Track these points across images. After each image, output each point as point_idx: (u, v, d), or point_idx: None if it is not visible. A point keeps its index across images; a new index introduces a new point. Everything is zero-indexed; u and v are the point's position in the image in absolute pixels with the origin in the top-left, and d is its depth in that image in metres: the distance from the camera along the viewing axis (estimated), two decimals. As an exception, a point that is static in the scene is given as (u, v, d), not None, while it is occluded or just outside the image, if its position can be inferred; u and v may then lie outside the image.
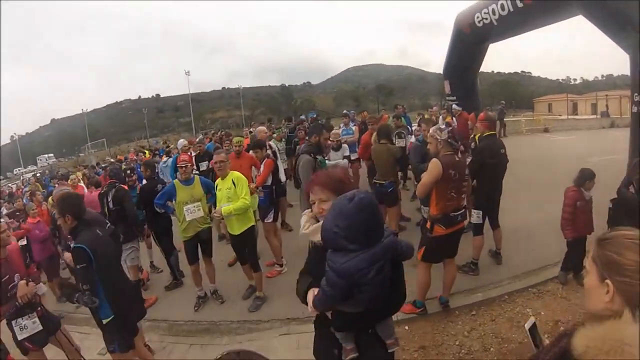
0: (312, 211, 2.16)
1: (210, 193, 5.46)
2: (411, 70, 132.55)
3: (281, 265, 6.16)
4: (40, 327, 3.60)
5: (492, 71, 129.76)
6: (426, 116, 10.90)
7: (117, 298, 3.39)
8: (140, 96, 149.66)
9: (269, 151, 6.71)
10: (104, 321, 3.37)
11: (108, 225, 3.87)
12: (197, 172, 8.45)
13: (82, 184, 9.90)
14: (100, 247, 3.30)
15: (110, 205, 5.84)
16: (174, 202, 5.44)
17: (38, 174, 31.20)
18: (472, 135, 6.61)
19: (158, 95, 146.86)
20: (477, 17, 13.20)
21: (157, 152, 17.98)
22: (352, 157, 8.22)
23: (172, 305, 5.83)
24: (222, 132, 17.11)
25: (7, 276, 3.48)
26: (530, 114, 36.40)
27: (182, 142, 11.33)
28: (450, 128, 4.23)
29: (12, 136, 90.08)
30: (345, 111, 12.61)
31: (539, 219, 6.90)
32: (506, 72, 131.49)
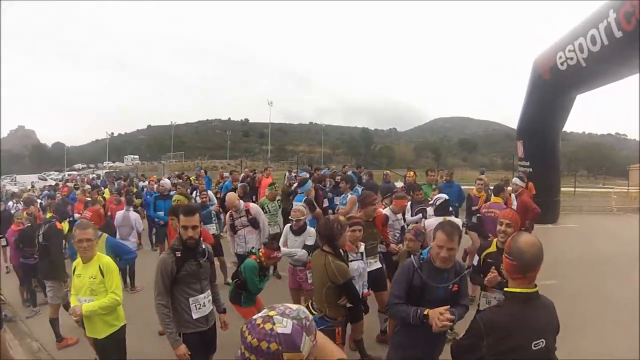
0: None
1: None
2: (498, 126, 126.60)
3: None
4: None
5: (583, 132, 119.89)
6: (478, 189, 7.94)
7: None
8: (230, 118, 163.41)
9: None
10: None
11: None
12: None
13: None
14: None
15: (40, 239, 5.70)
16: None
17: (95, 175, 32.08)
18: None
19: (247, 119, 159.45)
20: (560, 58, 10.07)
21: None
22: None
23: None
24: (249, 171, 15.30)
25: None
26: (624, 184, 30.83)
27: (167, 182, 9.51)
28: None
29: (107, 133, 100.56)
30: (351, 172, 9.81)
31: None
32: (598, 134, 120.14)
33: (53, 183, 24.95)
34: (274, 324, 1.25)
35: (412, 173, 9.50)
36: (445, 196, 5.62)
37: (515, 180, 7.56)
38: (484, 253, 3.75)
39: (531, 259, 2.00)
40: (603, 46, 8.46)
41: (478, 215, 6.79)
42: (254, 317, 1.31)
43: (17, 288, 6.90)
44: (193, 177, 15.22)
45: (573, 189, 22.40)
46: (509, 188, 7.73)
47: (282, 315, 1.29)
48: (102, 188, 16.91)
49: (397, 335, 2.88)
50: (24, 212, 7.60)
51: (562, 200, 14.66)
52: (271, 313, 1.30)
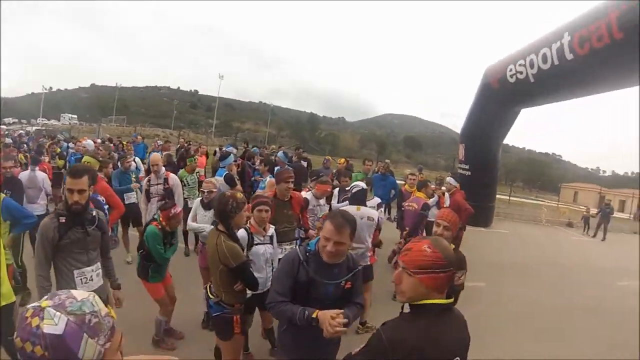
0: None
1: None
2: (445, 130, 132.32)
3: None
4: None
5: (524, 147, 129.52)
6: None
7: None
8: (179, 87, 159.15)
9: None
10: None
11: None
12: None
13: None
14: None
15: None
16: None
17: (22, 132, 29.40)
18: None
19: (196, 91, 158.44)
20: (510, 71, 10.33)
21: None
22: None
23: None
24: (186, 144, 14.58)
25: None
26: (555, 199, 34.06)
27: (89, 143, 9.45)
28: None
29: (43, 87, 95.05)
30: (282, 152, 9.37)
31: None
32: (537, 151, 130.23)
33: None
34: (42, 319, 0.91)
35: (342, 160, 9.51)
36: (362, 184, 5.25)
37: (449, 179, 7.54)
38: None
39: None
40: (553, 65, 8.72)
41: (401, 209, 6.82)
42: (28, 306, 0.96)
43: None
44: (126, 142, 14.33)
45: (508, 198, 23.63)
46: (443, 187, 7.75)
47: (58, 307, 0.95)
48: (26, 146, 15.61)
49: (284, 337, 2.50)
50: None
51: (497, 207, 15.32)
52: (44, 303, 0.96)
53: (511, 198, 24.03)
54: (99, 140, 16.20)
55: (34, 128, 41.31)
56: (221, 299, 2.98)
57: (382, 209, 5.92)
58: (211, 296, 3.04)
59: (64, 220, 2.87)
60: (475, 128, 12.94)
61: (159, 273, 4.13)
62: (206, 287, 3.16)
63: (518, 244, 12.17)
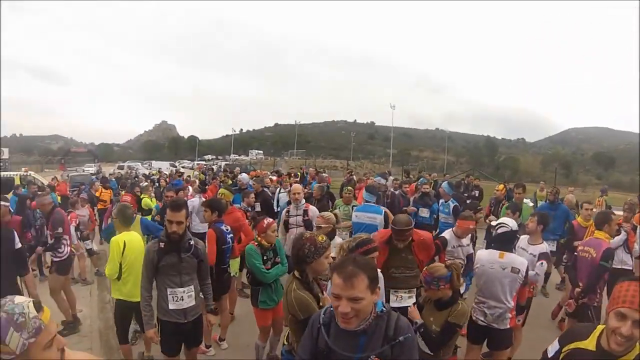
0: None
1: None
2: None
3: None
4: None
5: None
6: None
7: None
8: (356, 120, 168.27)
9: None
10: None
11: None
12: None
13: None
14: None
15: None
16: None
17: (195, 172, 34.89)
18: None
19: (373, 122, 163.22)
20: None
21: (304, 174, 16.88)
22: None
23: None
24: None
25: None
26: None
27: (244, 176, 10.34)
28: None
29: (232, 129, 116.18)
30: (446, 182, 8.24)
31: None
32: None
33: (181, 170, 28.73)
34: None
35: (502, 186, 7.94)
36: (511, 222, 3.88)
37: None
38: (571, 345, 1.92)
39: None
40: None
41: (575, 253, 4.74)
42: None
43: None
44: (286, 175, 15.52)
45: None
46: (634, 219, 5.63)
47: None
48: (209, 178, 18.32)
49: None
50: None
51: None
52: None
53: None
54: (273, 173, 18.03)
55: (224, 163, 48.83)
56: (294, 348, 2.63)
57: (545, 262, 4.28)
58: (285, 343, 2.76)
59: (162, 246, 3.31)
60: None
61: (269, 298, 4.00)
62: (287, 332, 2.82)
63: None
